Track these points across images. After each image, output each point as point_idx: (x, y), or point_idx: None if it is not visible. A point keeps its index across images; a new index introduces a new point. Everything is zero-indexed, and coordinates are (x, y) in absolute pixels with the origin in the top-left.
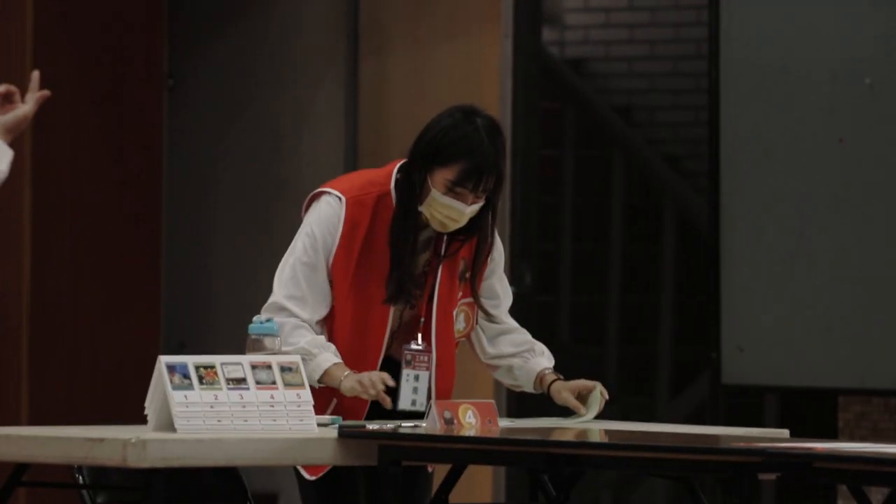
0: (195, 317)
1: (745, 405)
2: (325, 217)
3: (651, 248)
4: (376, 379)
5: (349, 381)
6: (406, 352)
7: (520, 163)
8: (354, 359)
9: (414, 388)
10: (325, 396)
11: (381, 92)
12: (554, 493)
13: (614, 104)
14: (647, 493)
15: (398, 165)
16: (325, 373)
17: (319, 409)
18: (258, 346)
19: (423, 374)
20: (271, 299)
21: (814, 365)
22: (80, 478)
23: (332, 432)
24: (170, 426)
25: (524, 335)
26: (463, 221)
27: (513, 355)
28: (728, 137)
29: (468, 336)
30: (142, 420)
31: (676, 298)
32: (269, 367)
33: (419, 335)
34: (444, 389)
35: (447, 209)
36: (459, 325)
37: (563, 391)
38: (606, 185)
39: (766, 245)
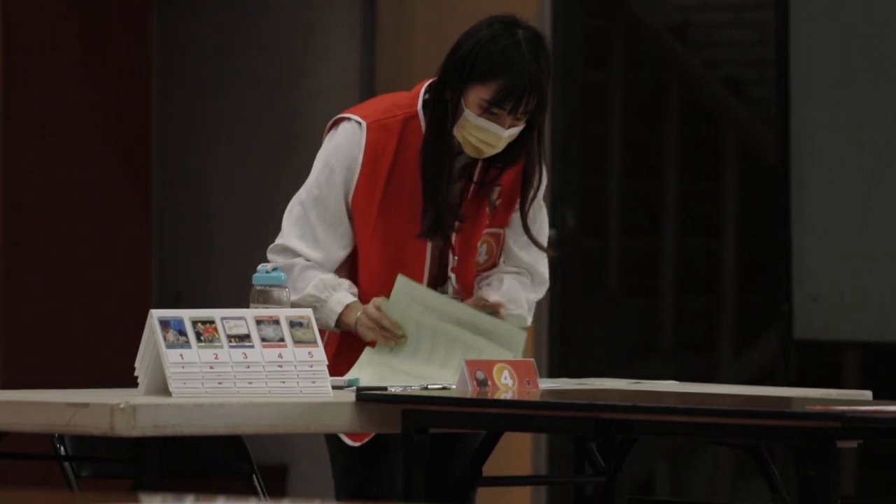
0: (192, 264)
1: (821, 363)
2: (342, 145)
3: (711, 186)
4: (372, 315)
5: (361, 327)
6: None
7: (560, 88)
8: None
9: None
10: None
11: (402, 9)
12: (603, 465)
13: (668, 21)
14: (709, 464)
15: (427, 84)
16: (340, 319)
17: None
18: (264, 299)
19: None
20: (278, 240)
21: None
22: (62, 448)
23: (350, 396)
24: (164, 389)
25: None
26: (500, 146)
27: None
28: (799, 58)
29: (488, 269)
30: (132, 383)
31: (741, 242)
32: (276, 321)
33: (453, 276)
34: None
35: (482, 132)
36: (481, 256)
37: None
38: (659, 113)
39: (843, 180)
